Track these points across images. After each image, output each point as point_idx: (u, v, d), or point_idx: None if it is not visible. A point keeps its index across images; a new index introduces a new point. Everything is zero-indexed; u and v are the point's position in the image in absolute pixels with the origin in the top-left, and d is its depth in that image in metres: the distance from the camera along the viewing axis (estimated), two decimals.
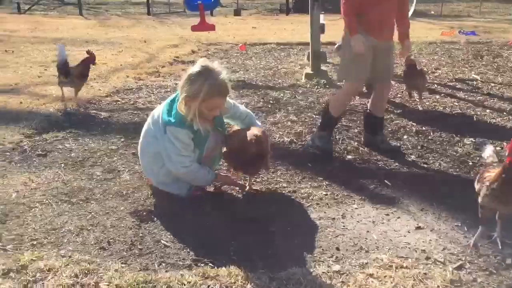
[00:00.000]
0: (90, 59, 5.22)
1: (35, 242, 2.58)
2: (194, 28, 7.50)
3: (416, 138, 4.28)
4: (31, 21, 15.28)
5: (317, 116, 4.89)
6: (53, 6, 24.27)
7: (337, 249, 2.54)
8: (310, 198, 3.15)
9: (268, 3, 23.99)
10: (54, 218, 2.85)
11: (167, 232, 2.69)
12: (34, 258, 2.34)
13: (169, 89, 6.16)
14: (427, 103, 5.41)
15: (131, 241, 2.59)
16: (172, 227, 2.74)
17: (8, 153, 3.85)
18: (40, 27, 13.40)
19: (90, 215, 2.89)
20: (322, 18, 6.82)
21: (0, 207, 2.89)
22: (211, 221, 2.82)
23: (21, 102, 5.35)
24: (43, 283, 2.16)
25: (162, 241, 2.59)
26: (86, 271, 2.24)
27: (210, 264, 2.38)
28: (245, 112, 3.35)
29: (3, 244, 2.55)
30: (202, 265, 2.38)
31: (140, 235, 2.66)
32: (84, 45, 10.00)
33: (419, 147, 4.07)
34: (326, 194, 3.21)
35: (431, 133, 4.38)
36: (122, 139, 4.22)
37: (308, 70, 6.73)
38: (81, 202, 3.06)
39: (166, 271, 2.30)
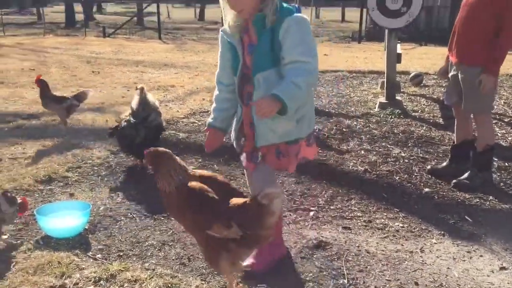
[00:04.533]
0: None
1: (121, 253, 2.74)
2: None
3: (498, 174, 4.10)
4: (115, 44, 16.28)
5: (391, 146, 4.83)
6: (135, 30, 25.73)
7: (416, 283, 2.48)
8: (386, 229, 3.11)
9: (340, 31, 24.06)
10: (138, 231, 3.01)
11: None
12: (121, 269, 2.48)
13: None
14: (509, 138, 5.18)
15: None
16: None
17: (96, 168, 4.12)
18: (122, 50, 14.23)
19: (171, 231, 3.02)
20: (399, 48, 6.77)
21: (90, 218, 3.09)
22: (287, 244, 2.85)
23: (106, 121, 5.71)
24: None
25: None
26: (169, 285, 2.35)
27: None
28: (292, 58, 2.23)
29: (93, 253, 2.73)
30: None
31: None
32: (163, 68, 10.53)
33: (501, 184, 3.90)
34: (403, 226, 3.15)
35: None
36: (200, 160, 4.39)
37: (382, 99, 6.66)
38: (162, 218, 3.21)
39: None
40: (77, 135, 5.07)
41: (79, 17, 30.29)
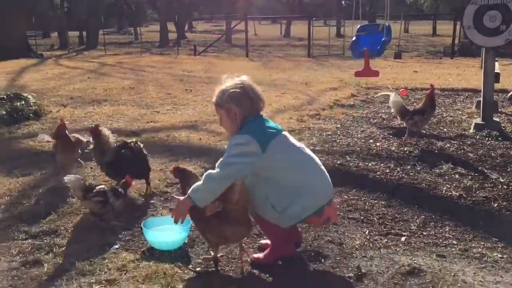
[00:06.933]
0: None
1: (219, 268, 2.90)
2: (358, 74, 7.60)
3: None
4: (204, 62, 17.04)
5: (488, 170, 4.63)
6: (223, 47, 26.74)
7: None
8: (483, 259, 3.01)
9: (431, 46, 23.29)
10: (233, 247, 3.16)
11: None
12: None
13: (330, 132, 6.34)
14: None
15: None
16: None
17: None
18: (212, 68, 14.84)
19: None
20: (497, 66, 6.47)
21: (189, 233, 3.30)
22: (378, 269, 2.86)
23: (200, 138, 6.02)
24: None
25: None
26: None
27: None
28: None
29: (193, 266, 2.93)
30: None
31: None
32: None
33: None
34: (502, 257, 3.03)
35: None
36: None
37: (478, 120, 6.39)
38: (255, 235, 3.35)
39: None
40: (174, 151, 5.41)
41: (172, 35, 32.08)
